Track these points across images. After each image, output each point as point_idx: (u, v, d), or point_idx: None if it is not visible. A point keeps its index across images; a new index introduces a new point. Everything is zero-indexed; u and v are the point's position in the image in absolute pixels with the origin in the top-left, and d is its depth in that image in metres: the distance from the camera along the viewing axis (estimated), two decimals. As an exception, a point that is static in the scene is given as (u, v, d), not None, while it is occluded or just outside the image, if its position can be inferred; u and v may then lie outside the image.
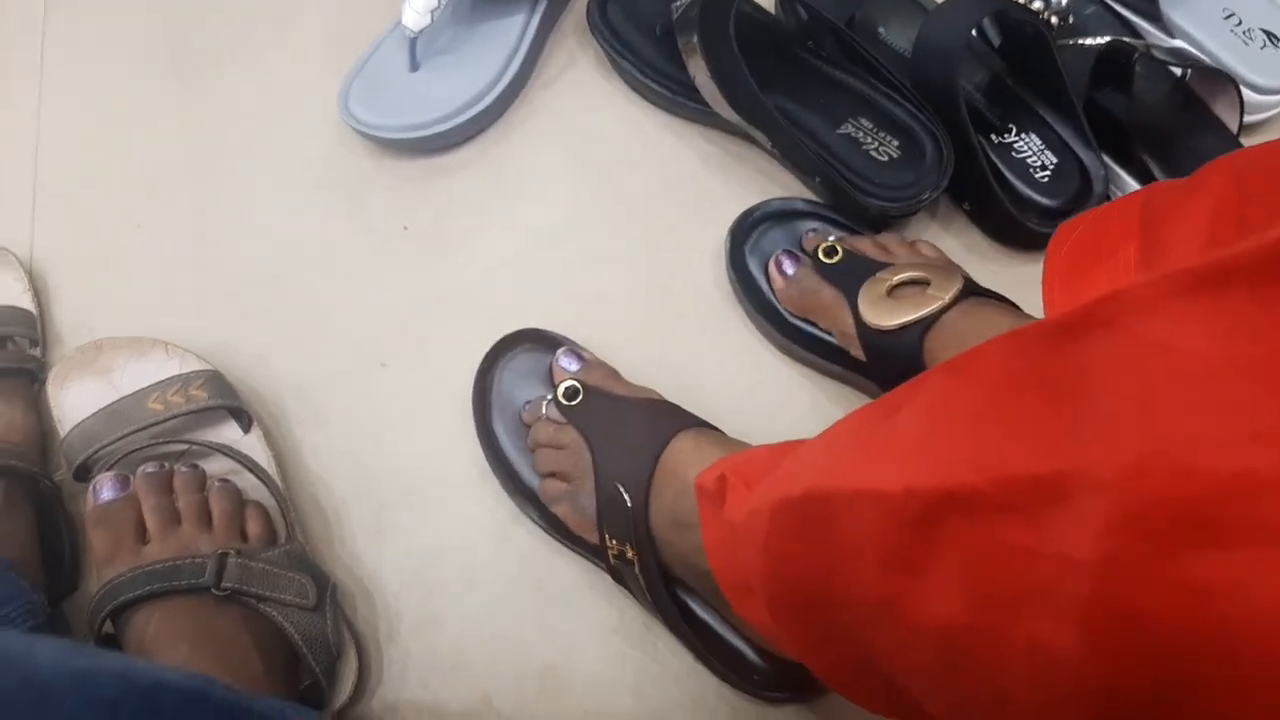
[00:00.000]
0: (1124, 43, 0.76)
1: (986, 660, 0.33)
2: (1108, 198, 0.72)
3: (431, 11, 0.75)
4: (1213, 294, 0.30)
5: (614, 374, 0.67)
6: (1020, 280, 0.74)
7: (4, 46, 0.86)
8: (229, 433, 0.67)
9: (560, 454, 0.64)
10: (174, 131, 0.80)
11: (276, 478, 0.66)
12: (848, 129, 0.73)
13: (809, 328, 0.69)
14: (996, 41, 0.78)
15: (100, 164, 0.80)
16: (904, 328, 0.62)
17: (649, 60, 0.79)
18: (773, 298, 0.70)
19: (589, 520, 0.62)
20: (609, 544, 0.60)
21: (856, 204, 0.71)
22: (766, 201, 0.73)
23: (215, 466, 0.66)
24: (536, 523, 0.66)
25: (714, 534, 0.51)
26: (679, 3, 0.74)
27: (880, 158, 0.72)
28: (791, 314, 0.70)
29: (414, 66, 0.78)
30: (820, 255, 0.68)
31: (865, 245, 0.69)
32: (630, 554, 0.59)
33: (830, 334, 0.68)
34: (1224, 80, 0.76)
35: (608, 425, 0.62)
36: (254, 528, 0.63)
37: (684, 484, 0.56)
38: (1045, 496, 0.31)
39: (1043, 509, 0.31)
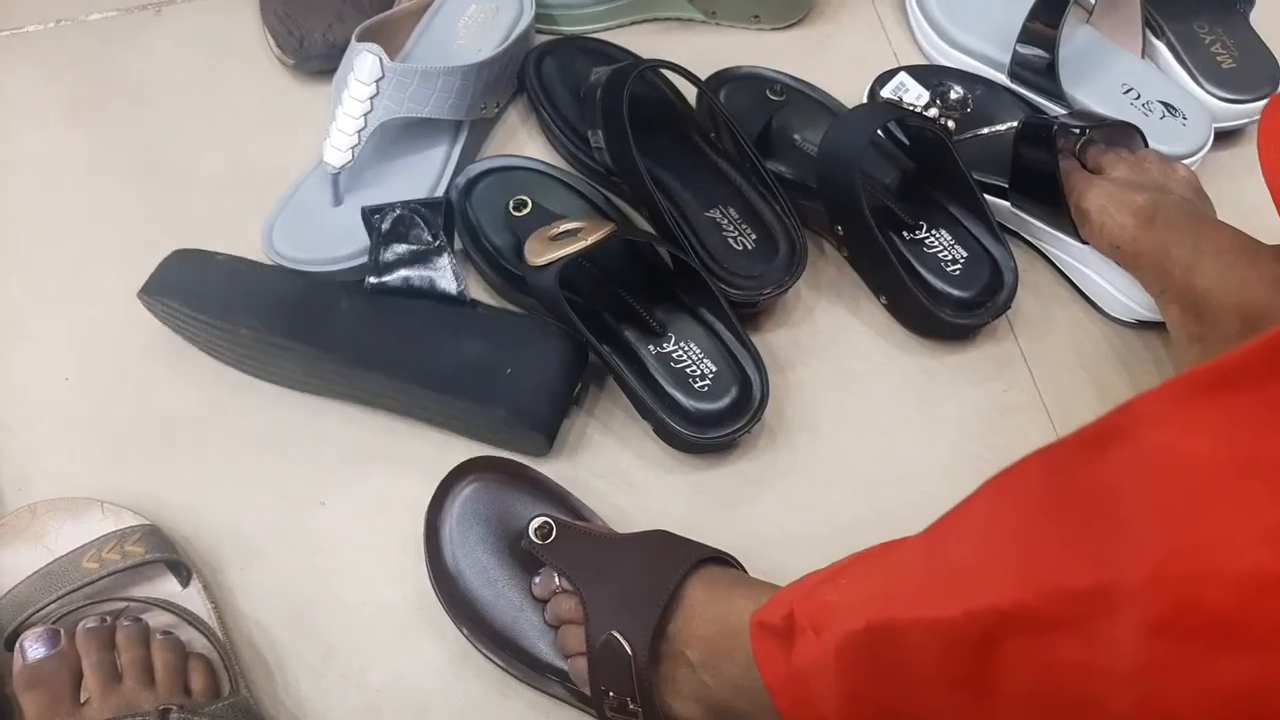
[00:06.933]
0: (1037, 118, 0.77)
1: None
2: (1017, 288, 0.74)
3: (352, 148, 0.77)
4: (1216, 397, 0.32)
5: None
6: (944, 369, 0.76)
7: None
8: (168, 587, 0.67)
9: (553, 603, 0.61)
10: (109, 285, 0.80)
11: (218, 629, 0.65)
12: (715, 214, 0.79)
13: None
14: (905, 143, 0.81)
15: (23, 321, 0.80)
16: None
17: (564, 115, 0.84)
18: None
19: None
20: (607, 696, 0.57)
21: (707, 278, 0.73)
22: None
23: (156, 620, 0.65)
24: (506, 669, 0.65)
25: (778, 672, 0.50)
26: (597, 72, 0.78)
27: (736, 246, 0.77)
28: None
29: (338, 201, 0.79)
30: None
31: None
32: (633, 706, 0.56)
33: None
34: (1131, 131, 0.78)
35: (596, 565, 0.59)
36: (198, 682, 0.62)
37: (716, 624, 0.56)
38: (1092, 609, 0.32)
39: (1091, 622, 0.32)
